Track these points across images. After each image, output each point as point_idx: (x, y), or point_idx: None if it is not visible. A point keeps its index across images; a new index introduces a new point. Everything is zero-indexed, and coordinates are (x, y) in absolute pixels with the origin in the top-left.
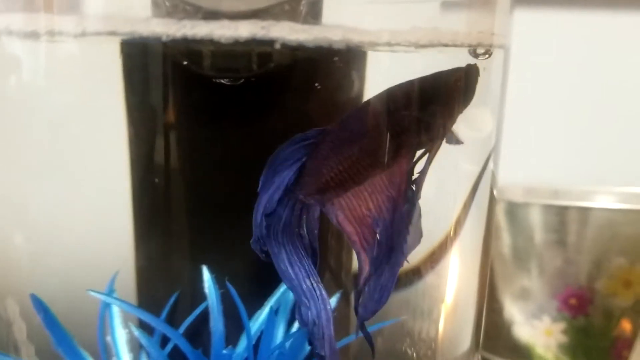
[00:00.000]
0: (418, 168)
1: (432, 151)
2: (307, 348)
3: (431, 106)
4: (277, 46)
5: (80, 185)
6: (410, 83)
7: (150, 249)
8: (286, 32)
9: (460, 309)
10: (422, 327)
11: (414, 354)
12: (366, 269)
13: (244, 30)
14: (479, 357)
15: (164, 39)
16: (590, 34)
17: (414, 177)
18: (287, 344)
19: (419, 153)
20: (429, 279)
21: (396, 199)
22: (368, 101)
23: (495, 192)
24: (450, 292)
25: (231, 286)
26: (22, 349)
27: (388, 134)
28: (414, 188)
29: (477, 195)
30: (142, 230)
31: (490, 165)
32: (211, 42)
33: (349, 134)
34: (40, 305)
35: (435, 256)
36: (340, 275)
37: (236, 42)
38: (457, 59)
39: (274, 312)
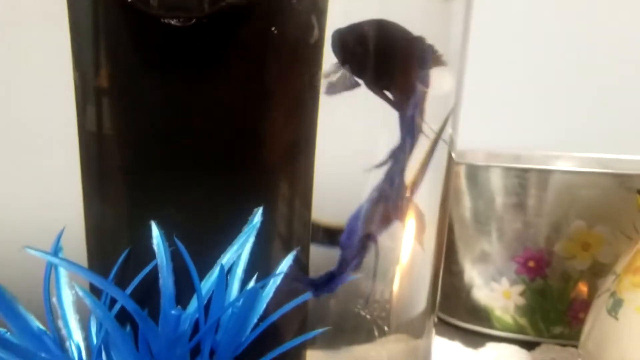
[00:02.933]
0: None
1: None
2: (261, 306)
3: None
4: None
5: (23, 139)
6: None
7: (99, 203)
8: None
9: (415, 271)
10: (375, 288)
11: (367, 316)
12: None
13: None
14: (435, 318)
15: None
16: None
17: None
18: (240, 303)
19: None
20: (384, 240)
21: None
22: None
23: (453, 155)
24: (405, 253)
25: (181, 243)
26: None
27: None
28: None
29: (434, 156)
30: (91, 184)
31: (449, 128)
32: None
33: None
34: None
35: (390, 217)
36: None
37: None
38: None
39: (225, 270)
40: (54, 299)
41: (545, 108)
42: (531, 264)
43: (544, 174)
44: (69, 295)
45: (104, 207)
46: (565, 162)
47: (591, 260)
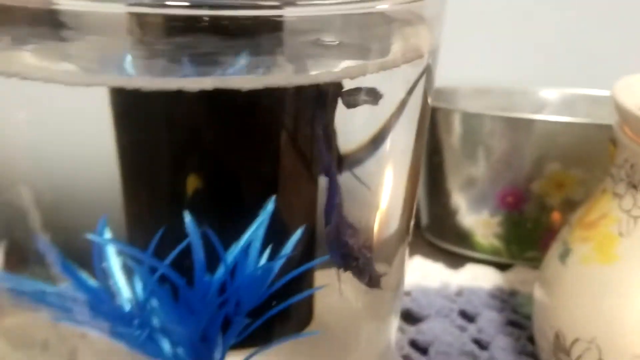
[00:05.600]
0: None
1: None
2: (274, 273)
3: None
4: None
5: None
6: None
7: (138, 195)
8: None
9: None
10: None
11: None
12: None
13: None
14: (408, 249)
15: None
16: None
17: None
18: (259, 270)
19: None
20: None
21: None
22: None
23: (429, 99)
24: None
25: (211, 230)
26: (39, 238)
27: None
28: None
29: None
30: (130, 182)
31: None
32: None
33: None
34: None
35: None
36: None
37: None
38: None
39: (246, 246)
40: (103, 264)
41: (527, 42)
42: (509, 199)
43: (529, 122)
44: (116, 261)
45: (142, 202)
46: (552, 96)
47: (565, 198)
